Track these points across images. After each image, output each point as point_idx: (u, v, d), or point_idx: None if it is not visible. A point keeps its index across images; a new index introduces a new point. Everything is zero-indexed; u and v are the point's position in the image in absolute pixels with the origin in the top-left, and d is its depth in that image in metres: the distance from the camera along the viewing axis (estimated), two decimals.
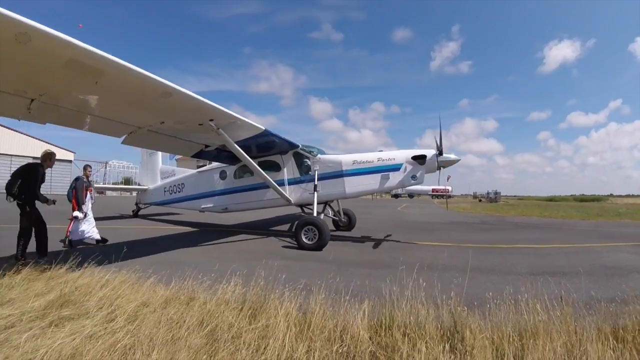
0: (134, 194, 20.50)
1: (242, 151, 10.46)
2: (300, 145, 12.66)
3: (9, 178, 7.68)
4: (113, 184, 50.94)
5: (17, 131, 45.44)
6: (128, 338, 3.76)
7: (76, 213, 9.84)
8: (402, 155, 11.48)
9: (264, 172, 11.50)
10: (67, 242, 9.95)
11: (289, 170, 12.68)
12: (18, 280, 5.90)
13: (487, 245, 11.65)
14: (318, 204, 12.08)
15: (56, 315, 4.48)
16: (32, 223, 7.79)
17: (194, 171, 16.14)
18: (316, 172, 12.07)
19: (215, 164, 14.64)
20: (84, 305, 4.81)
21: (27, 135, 46.16)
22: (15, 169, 7.97)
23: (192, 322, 4.14)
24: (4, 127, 44.46)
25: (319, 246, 10.05)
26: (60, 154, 46.61)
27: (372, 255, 9.59)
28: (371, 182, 11.65)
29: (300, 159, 12.73)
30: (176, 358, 3.45)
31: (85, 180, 10.32)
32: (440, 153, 11.16)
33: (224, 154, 12.36)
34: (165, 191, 16.73)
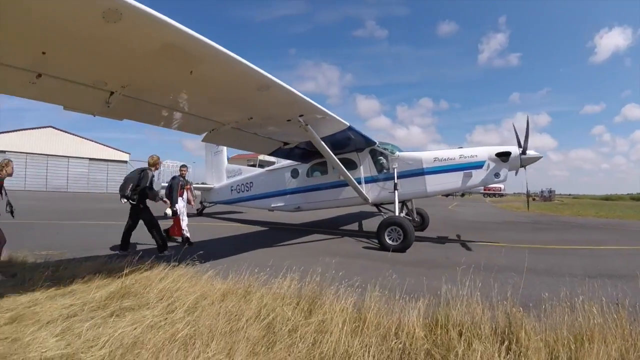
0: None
1: (327, 148, 9.98)
2: (378, 142, 12.21)
3: (122, 182, 8.64)
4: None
5: (72, 134, 47.10)
6: (188, 328, 3.84)
7: (167, 210, 9.85)
8: (484, 152, 10.90)
9: (346, 170, 10.98)
10: (185, 240, 10.24)
11: (365, 168, 12.23)
12: (79, 271, 6.24)
13: (542, 246, 11.25)
14: (390, 202, 11.82)
15: (117, 306, 4.63)
16: (146, 217, 8.77)
17: (262, 170, 15.94)
18: (395, 170, 11.59)
19: (285, 162, 14.35)
20: (145, 297, 4.96)
21: (82, 137, 47.86)
22: (128, 173, 8.97)
23: (250, 315, 4.20)
24: (60, 130, 46.18)
25: (403, 247, 9.68)
26: (115, 155, 48.94)
27: (426, 255, 9.42)
28: (453, 180, 11.14)
29: (376, 157, 12.28)
30: (235, 348, 3.50)
31: (181, 179, 10.34)
32: (523, 151, 10.55)
33: (297, 152, 12.05)
34: (232, 190, 16.57)
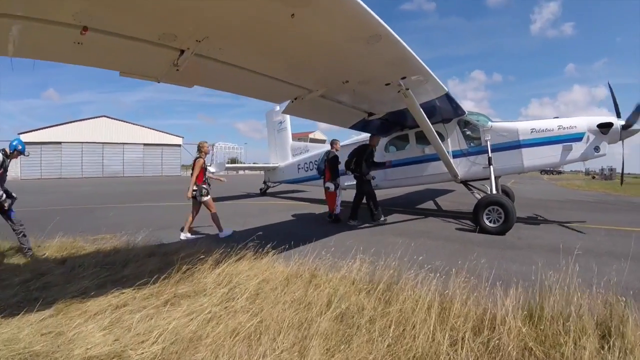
0: (245, 172, 19.40)
1: (426, 118, 8.53)
2: (467, 112, 10.70)
3: (347, 158, 10.52)
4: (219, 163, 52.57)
5: (126, 122, 48.03)
6: (251, 320, 3.46)
7: (328, 184, 10.34)
8: (583, 122, 9.48)
9: (441, 143, 9.55)
10: (333, 216, 10.57)
11: (453, 141, 10.77)
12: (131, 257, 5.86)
13: (616, 227, 9.84)
14: (483, 179, 10.54)
15: (172, 293, 4.24)
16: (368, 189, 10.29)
17: (328, 148, 14.56)
18: (488, 142, 10.10)
19: (358, 137, 13.07)
20: (201, 282, 4.55)
21: (135, 124, 48.62)
22: (353, 149, 10.59)
23: (320, 304, 3.79)
24: (114, 119, 47.17)
25: (503, 230, 8.56)
26: (168, 139, 49.07)
27: (495, 235, 8.53)
28: (552, 154, 9.70)
29: (466, 128, 10.85)
30: (307, 345, 3.06)
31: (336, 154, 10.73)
32: (626, 126, 9.16)
33: (376, 124, 10.63)
34: (300, 168, 15.48)
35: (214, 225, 8.52)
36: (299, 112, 8.44)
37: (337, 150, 10.77)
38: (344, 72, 6.36)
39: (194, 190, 8.29)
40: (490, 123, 10.51)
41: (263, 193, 18.33)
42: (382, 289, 4.10)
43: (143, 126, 48.88)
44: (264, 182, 18.16)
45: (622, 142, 9.48)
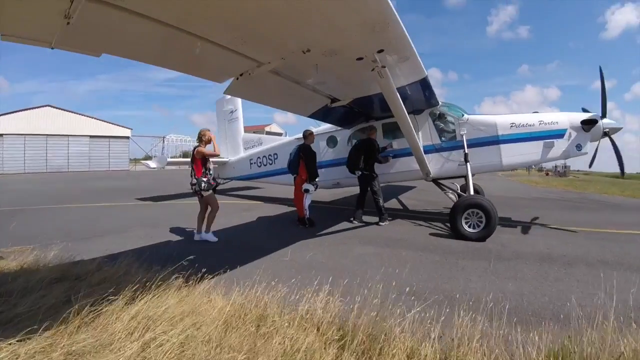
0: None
1: (402, 106, 7.10)
2: (441, 103, 9.53)
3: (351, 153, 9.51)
4: (172, 157, 49.51)
5: (71, 112, 43.83)
6: None
7: (307, 186, 8.81)
8: (565, 118, 8.75)
9: (416, 137, 8.22)
10: (307, 221, 9.00)
11: (425, 135, 9.52)
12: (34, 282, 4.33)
13: (595, 230, 9.06)
14: (456, 177, 9.58)
15: (66, 348, 2.85)
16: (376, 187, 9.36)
17: (290, 138, 12.89)
18: (464, 137, 8.96)
19: (320, 128, 11.50)
20: (109, 329, 3.20)
21: (82, 114, 44.51)
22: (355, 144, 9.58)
23: None
24: (59, 108, 42.91)
25: (484, 236, 7.48)
26: (117, 131, 45.61)
27: (475, 242, 7.42)
28: (532, 151, 8.85)
29: (439, 120, 9.65)
30: None
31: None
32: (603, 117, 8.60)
33: (339, 113, 9.21)
34: (252, 163, 13.72)
35: (207, 223, 7.62)
36: (246, 92, 6.75)
37: (312, 142, 9.23)
38: (305, 37, 4.70)
39: (192, 185, 7.36)
40: (466, 116, 9.37)
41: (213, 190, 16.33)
42: (361, 339, 3.05)
43: (89, 116, 44.88)
44: (214, 179, 16.23)
45: (611, 138, 8.71)
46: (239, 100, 16.05)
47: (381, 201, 9.30)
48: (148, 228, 8.48)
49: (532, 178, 41.65)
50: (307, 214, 8.94)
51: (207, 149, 7.44)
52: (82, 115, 44.17)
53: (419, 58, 5.91)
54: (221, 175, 15.56)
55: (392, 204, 13.43)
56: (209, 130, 7.56)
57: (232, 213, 10.79)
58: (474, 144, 9.02)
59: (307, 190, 8.73)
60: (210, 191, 7.41)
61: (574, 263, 5.92)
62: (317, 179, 8.99)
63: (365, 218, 9.64)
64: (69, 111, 43.43)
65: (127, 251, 6.21)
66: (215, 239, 7.46)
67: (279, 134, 53.04)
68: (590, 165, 9.57)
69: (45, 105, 41.68)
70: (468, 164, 8.61)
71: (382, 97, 7.21)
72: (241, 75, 5.62)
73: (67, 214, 10.50)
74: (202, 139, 7.43)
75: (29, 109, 40.92)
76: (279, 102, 7.89)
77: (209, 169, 7.46)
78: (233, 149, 15.64)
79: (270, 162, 12.85)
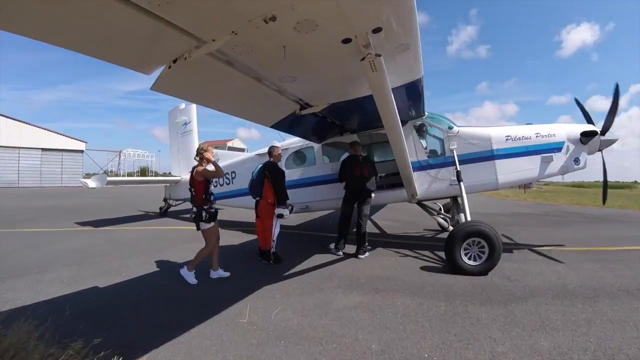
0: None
1: (396, 110, 5.44)
2: (427, 114, 8.17)
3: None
4: (128, 174, 46.26)
5: (21, 122, 40.24)
6: None
7: (281, 210, 6.98)
8: (562, 130, 7.75)
9: (407, 152, 6.76)
10: (272, 256, 7.19)
11: (409, 151, 7.84)
12: None
13: (590, 248, 8.51)
14: (444, 198, 8.63)
15: None
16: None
17: (249, 155, 11.04)
18: (454, 152, 7.69)
19: (285, 142, 9.85)
20: None
21: (33, 125, 40.98)
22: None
23: None
24: (8, 117, 39.23)
25: (486, 269, 6.22)
26: (70, 144, 42.54)
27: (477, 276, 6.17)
28: (529, 166, 7.74)
29: (425, 133, 8.29)
30: None
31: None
32: (603, 131, 7.75)
33: (309, 123, 7.53)
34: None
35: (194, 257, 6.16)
36: (183, 88, 4.82)
37: (279, 160, 7.49)
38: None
39: (193, 213, 5.96)
40: (455, 128, 8.05)
41: (163, 213, 14.36)
42: None
43: (42, 128, 41.46)
44: (164, 200, 14.22)
45: (602, 152, 7.89)
46: (193, 111, 14.15)
47: (365, 228, 7.79)
48: (75, 266, 6.84)
49: (499, 192, 41.28)
50: (274, 246, 7.19)
51: (209, 168, 5.92)
52: (33, 126, 40.86)
53: (420, 48, 4.36)
54: (172, 196, 13.62)
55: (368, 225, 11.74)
56: (211, 148, 6.16)
57: (176, 245, 8.95)
58: (465, 159, 7.73)
59: (280, 216, 7.01)
60: (213, 223, 5.95)
61: (595, 296, 5.14)
62: (287, 201, 7.23)
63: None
64: (21, 121, 39.97)
65: (36, 305, 4.74)
66: (194, 281, 5.95)
67: (242, 150, 50.21)
68: (604, 180, 8.43)
69: None
70: (462, 183, 7.29)
71: (365, 102, 5.67)
72: (175, 62, 3.85)
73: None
74: (203, 156, 5.94)
75: None
76: (232, 105, 5.98)
77: (211, 194, 6.03)
78: (186, 166, 13.61)
79: (228, 181, 10.96)
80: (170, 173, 15.64)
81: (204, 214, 5.79)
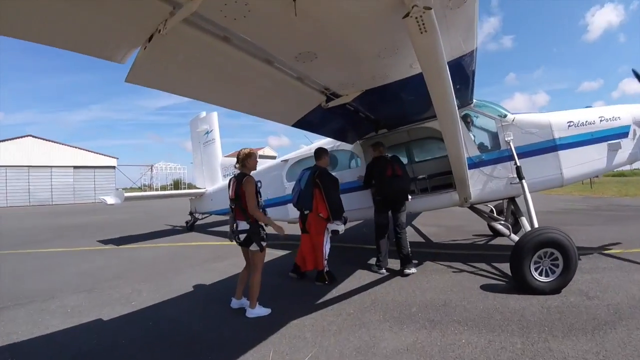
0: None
1: (452, 87, 4.16)
2: (475, 101, 6.98)
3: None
4: (161, 187, 46.50)
5: (53, 142, 41.14)
6: None
7: (337, 226, 6.00)
8: (626, 112, 6.55)
9: (462, 144, 5.52)
10: (326, 276, 6.19)
11: None
12: None
13: None
14: (501, 199, 7.57)
15: None
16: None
17: (277, 161, 9.88)
18: (511, 143, 6.41)
19: (305, 149, 8.85)
20: None
21: (64, 144, 41.82)
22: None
23: None
24: (40, 138, 40.24)
25: (559, 286, 5.04)
26: (102, 161, 43.09)
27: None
28: (596, 157, 6.49)
29: (474, 124, 7.13)
30: None
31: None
32: None
33: (336, 121, 6.34)
34: None
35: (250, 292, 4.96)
36: (166, 76, 3.62)
37: (327, 165, 6.48)
38: None
39: (237, 233, 4.83)
40: (510, 115, 6.76)
41: (190, 227, 13.52)
42: None
43: (73, 146, 42.19)
44: (190, 213, 13.40)
45: None
46: (214, 119, 13.34)
47: (407, 244, 6.61)
48: (83, 293, 6.18)
49: None
50: (326, 265, 6.19)
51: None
52: (65, 145, 41.62)
53: (478, 3, 3.23)
54: (198, 209, 12.79)
55: (408, 232, 10.47)
56: (254, 151, 5.10)
57: (195, 265, 8.05)
58: (524, 152, 6.49)
59: (336, 232, 6.02)
60: (265, 244, 4.82)
61: None
62: (344, 214, 6.17)
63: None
64: (52, 141, 40.83)
65: (30, 342, 4.29)
66: (267, 312, 4.91)
67: (272, 157, 49.21)
68: None
69: (27, 136, 39.07)
70: (524, 181, 6.05)
71: (408, 86, 4.55)
72: (150, 40, 2.84)
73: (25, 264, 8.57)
74: (246, 163, 4.91)
75: (10, 139, 38.36)
76: (237, 98, 4.71)
77: (263, 207, 4.98)
78: (210, 177, 12.85)
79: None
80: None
81: (261, 231, 4.74)
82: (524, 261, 5.03)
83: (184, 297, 5.86)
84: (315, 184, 6.05)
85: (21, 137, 38.85)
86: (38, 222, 19.17)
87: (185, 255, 9.09)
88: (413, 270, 6.40)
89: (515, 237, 5.95)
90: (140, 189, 46.40)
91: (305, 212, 6.25)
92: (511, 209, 7.81)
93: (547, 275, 5.06)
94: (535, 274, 5.05)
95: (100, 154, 43.50)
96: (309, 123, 5.96)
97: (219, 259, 8.38)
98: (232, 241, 4.97)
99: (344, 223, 6.10)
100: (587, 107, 7.01)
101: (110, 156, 43.98)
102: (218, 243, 10.65)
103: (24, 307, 5.47)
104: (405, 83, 4.55)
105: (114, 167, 44.04)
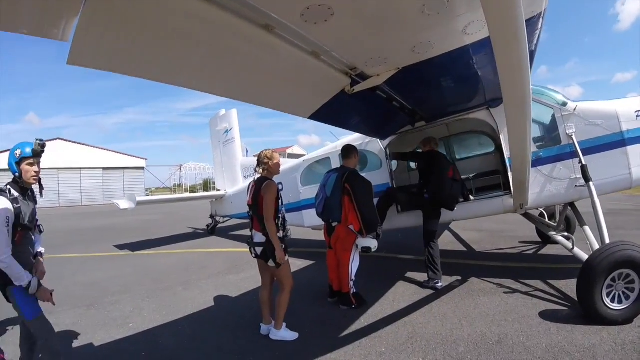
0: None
1: (528, 57, 2.91)
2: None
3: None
4: (190, 187, 46.49)
5: (82, 144, 41.89)
6: None
7: (369, 242, 5.00)
8: None
9: (530, 138, 4.46)
10: (353, 299, 5.18)
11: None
12: None
13: None
14: (560, 204, 6.46)
15: None
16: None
17: (298, 161, 8.79)
18: (573, 137, 5.26)
19: (333, 145, 7.78)
20: None
21: (93, 146, 42.39)
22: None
23: None
24: (69, 141, 41.04)
25: (633, 314, 4.10)
26: (130, 162, 43.40)
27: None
28: None
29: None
30: None
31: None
32: None
33: (365, 107, 5.03)
34: None
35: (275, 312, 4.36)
36: (120, 52, 2.50)
37: (356, 165, 5.57)
38: None
39: (256, 245, 4.21)
40: (571, 103, 5.57)
41: (211, 231, 12.81)
42: None
43: (102, 148, 42.77)
44: (211, 217, 12.67)
45: None
46: (234, 116, 12.53)
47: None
48: (82, 309, 5.70)
49: None
50: (353, 286, 5.19)
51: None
52: (94, 147, 42.17)
53: None
54: (219, 212, 12.06)
55: (447, 239, 9.37)
56: (276, 153, 4.45)
57: (208, 277, 7.27)
58: (588, 148, 5.34)
59: (367, 250, 5.04)
60: (287, 256, 4.18)
61: None
62: (379, 226, 5.18)
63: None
64: (80, 143, 41.54)
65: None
66: (294, 335, 4.29)
67: (301, 156, 47.67)
68: None
69: (56, 139, 39.58)
70: (591, 183, 4.93)
71: (459, 63, 3.61)
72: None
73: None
74: (268, 167, 4.28)
75: None
76: (228, 81, 3.40)
77: (283, 217, 4.33)
78: (230, 179, 12.07)
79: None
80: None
81: (282, 244, 4.08)
82: (595, 285, 4.07)
83: (187, 319, 5.09)
84: (344, 190, 5.05)
85: (50, 140, 38.76)
86: (62, 224, 18.99)
87: (200, 265, 8.34)
88: (439, 284, 5.62)
89: (581, 252, 4.92)
90: (170, 189, 46.50)
91: (333, 224, 5.25)
92: (566, 215, 6.81)
93: (619, 302, 4.14)
94: (607, 301, 4.11)
95: (129, 155, 43.85)
96: (330, 114, 4.82)
97: (235, 270, 7.57)
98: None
99: (378, 238, 5.09)
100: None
101: (139, 157, 44.24)
102: (237, 250, 9.83)
103: (16, 325, 4.80)
104: (455, 57, 3.47)
105: (142, 168, 44.20)
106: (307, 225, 7.61)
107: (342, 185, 5.05)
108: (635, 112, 5.34)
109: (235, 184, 11.91)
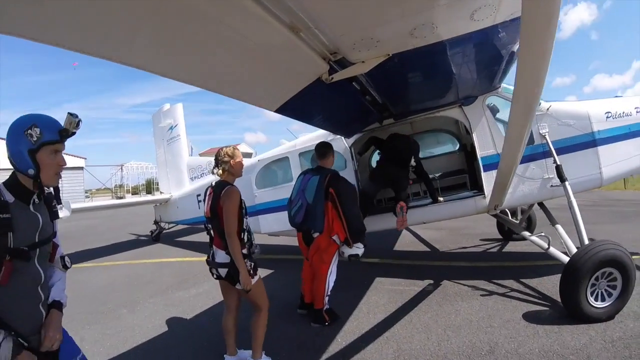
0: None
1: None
2: (502, 86, 5.71)
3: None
4: (132, 188, 43.86)
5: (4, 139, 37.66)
6: None
7: (355, 250, 4.47)
8: None
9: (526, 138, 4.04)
10: (326, 315, 4.56)
11: (482, 140, 5.75)
12: None
13: None
14: (532, 204, 6.44)
15: None
16: None
17: (253, 160, 7.91)
18: (547, 137, 5.23)
19: (292, 143, 7.19)
20: None
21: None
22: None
23: None
24: None
25: (616, 310, 4.19)
26: (68, 161, 39.16)
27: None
28: (635, 153, 5.60)
29: (502, 114, 5.84)
30: None
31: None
32: None
33: (338, 101, 4.47)
34: (200, 201, 8.93)
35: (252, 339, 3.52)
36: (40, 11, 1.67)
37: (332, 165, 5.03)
38: None
39: (216, 266, 3.40)
40: (545, 103, 5.52)
41: (155, 238, 11.73)
42: None
43: None
44: (155, 222, 11.61)
45: None
46: (179, 111, 11.45)
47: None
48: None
49: None
50: (327, 302, 4.62)
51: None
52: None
53: None
54: (163, 217, 11.05)
55: (407, 239, 9.09)
56: (235, 149, 3.59)
57: (153, 296, 6.39)
58: (563, 147, 5.33)
59: (356, 257, 4.56)
60: (259, 274, 3.48)
61: None
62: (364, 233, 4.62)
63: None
64: (4, 139, 37.62)
65: None
66: None
67: (249, 155, 45.00)
68: None
69: None
70: (567, 183, 4.85)
71: (460, 48, 3.28)
72: None
73: None
74: (229, 166, 3.48)
75: None
76: (176, 59, 2.55)
77: (249, 230, 3.47)
78: (175, 180, 11.05)
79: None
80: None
81: (248, 262, 3.28)
82: (580, 285, 4.05)
83: (135, 352, 4.30)
84: (328, 195, 4.47)
85: None
86: None
87: (146, 279, 7.44)
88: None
89: (558, 252, 4.78)
90: (111, 190, 43.70)
91: (314, 235, 4.65)
92: (529, 213, 7.07)
93: (602, 300, 4.21)
94: (591, 299, 4.15)
95: (66, 153, 40.00)
96: (300, 107, 4.13)
97: (186, 285, 6.76)
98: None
99: (365, 245, 4.60)
100: (616, 97, 6.12)
101: (77, 156, 40.52)
102: (186, 259, 9.04)
103: None
104: (452, 46, 3.01)
105: (82, 168, 40.85)
106: (263, 232, 6.98)
107: (327, 190, 4.48)
108: (606, 113, 5.47)
109: (180, 185, 10.91)
